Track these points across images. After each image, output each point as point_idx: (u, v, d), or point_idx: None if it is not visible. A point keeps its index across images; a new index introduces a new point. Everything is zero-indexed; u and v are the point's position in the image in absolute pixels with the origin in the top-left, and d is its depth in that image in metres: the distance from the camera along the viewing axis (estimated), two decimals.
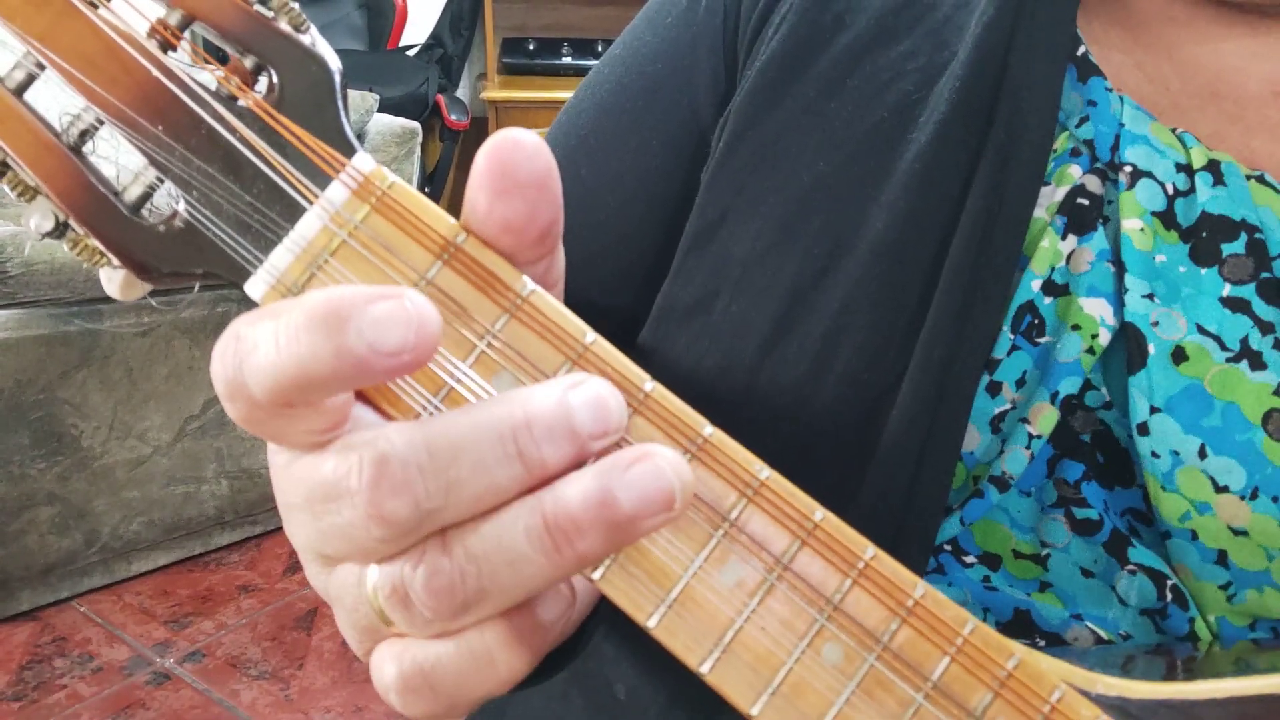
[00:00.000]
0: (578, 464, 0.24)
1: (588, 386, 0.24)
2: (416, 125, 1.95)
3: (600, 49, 2.96)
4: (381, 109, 2.00)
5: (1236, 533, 0.34)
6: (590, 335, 0.25)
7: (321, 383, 0.22)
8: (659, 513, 0.23)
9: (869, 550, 0.25)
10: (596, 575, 0.25)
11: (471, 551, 0.23)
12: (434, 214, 0.25)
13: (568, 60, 2.97)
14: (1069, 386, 0.36)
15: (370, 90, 2.07)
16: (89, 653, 1.61)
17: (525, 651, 0.25)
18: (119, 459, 1.65)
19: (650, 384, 0.25)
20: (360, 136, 1.85)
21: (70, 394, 1.57)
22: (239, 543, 1.88)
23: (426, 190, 2.76)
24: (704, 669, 0.25)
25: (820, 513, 0.25)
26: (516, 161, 0.24)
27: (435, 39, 3.01)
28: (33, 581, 1.65)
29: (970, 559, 0.39)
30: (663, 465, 0.23)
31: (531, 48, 3.00)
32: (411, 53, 2.99)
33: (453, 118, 2.75)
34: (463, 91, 3.13)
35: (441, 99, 2.76)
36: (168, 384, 1.68)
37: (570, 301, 0.49)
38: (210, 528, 1.83)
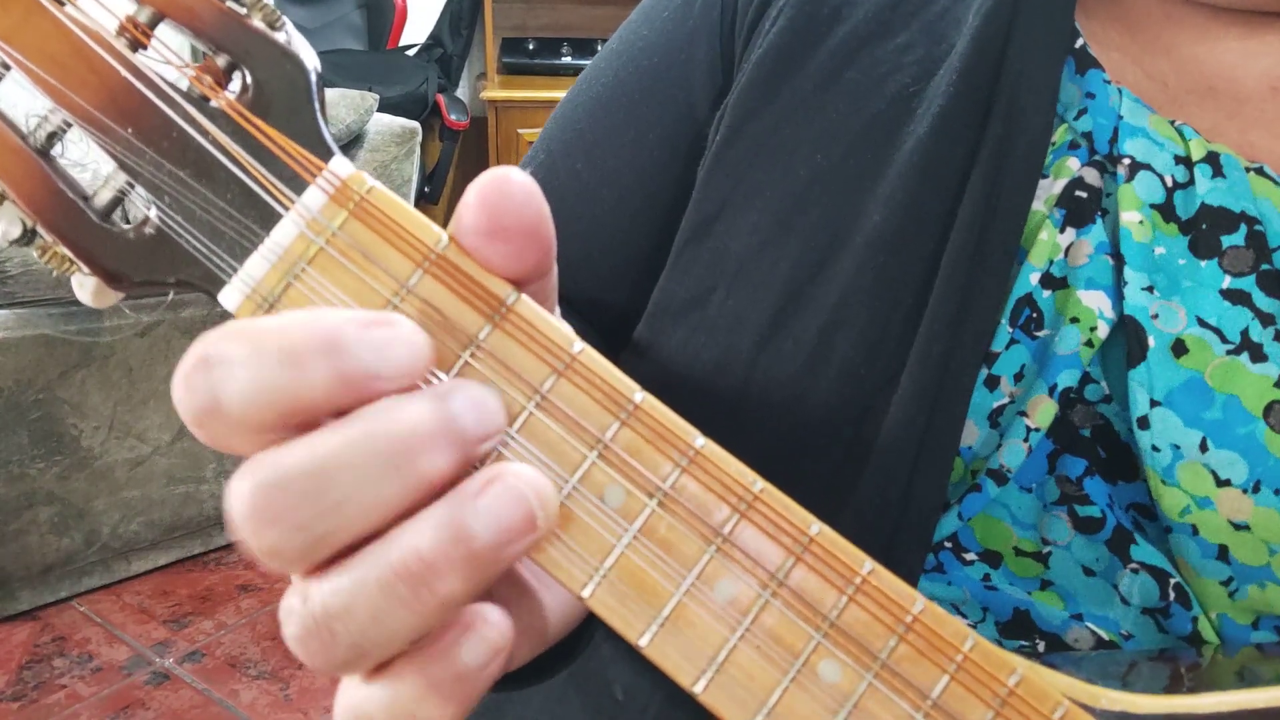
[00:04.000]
0: (463, 473, 0.22)
1: (465, 389, 0.23)
2: (416, 125, 1.95)
3: (599, 49, 2.95)
4: (381, 109, 2.00)
5: (1238, 527, 0.34)
6: (578, 345, 0.25)
7: (313, 407, 0.21)
8: (521, 537, 0.22)
9: (866, 565, 0.24)
10: (586, 593, 0.24)
11: (330, 609, 0.22)
12: (415, 220, 0.24)
13: (567, 60, 2.97)
14: (1067, 379, 0.36)
15: (370, 90, 2.06)
16: (88, 652, 1.61)
17: (447, 703, 0.23)
18: (118, 459, 1.65)
19: (640, 395, 0.25)
20: (360, 136, 1.85)
21: (70, 394, 1.57)
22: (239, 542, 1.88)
23: (426, 190, 2.76)
24: (697, 689, 0.24)
25: (816, 526, 0.24)
26: (506, 209, 0.24)
27: (435, 39, 3.01)
28: (32, 581, 1.65)
29: (970, 556, 0.39)
30: (516, 484, 0.22)
31: (531, 47, 2.99)
32: (411, 52, 2.98)
33: (452, 117, 2.74)
34: (462, 91, 3.13)
35: (441, 99, 2.76)
36: (167, 384, 1.66)
37: (567, 298, 0.49)
38: (210, 527, 1.83)
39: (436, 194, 2.78)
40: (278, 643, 1.66)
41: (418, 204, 2.53)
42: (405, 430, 0.22)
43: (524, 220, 0.24)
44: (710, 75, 0.43)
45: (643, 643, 0.24)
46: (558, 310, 0.30)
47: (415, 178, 1.98)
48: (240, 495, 0.22)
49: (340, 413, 0.24)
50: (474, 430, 0.22)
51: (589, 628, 0.33)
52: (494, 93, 2.82)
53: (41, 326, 1.52)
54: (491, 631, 0.23)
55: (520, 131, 2.83)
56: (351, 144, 1.85)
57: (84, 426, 1.60)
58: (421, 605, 0.22)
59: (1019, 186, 0.36)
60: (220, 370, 0.21)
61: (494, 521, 0.22)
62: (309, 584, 0.22)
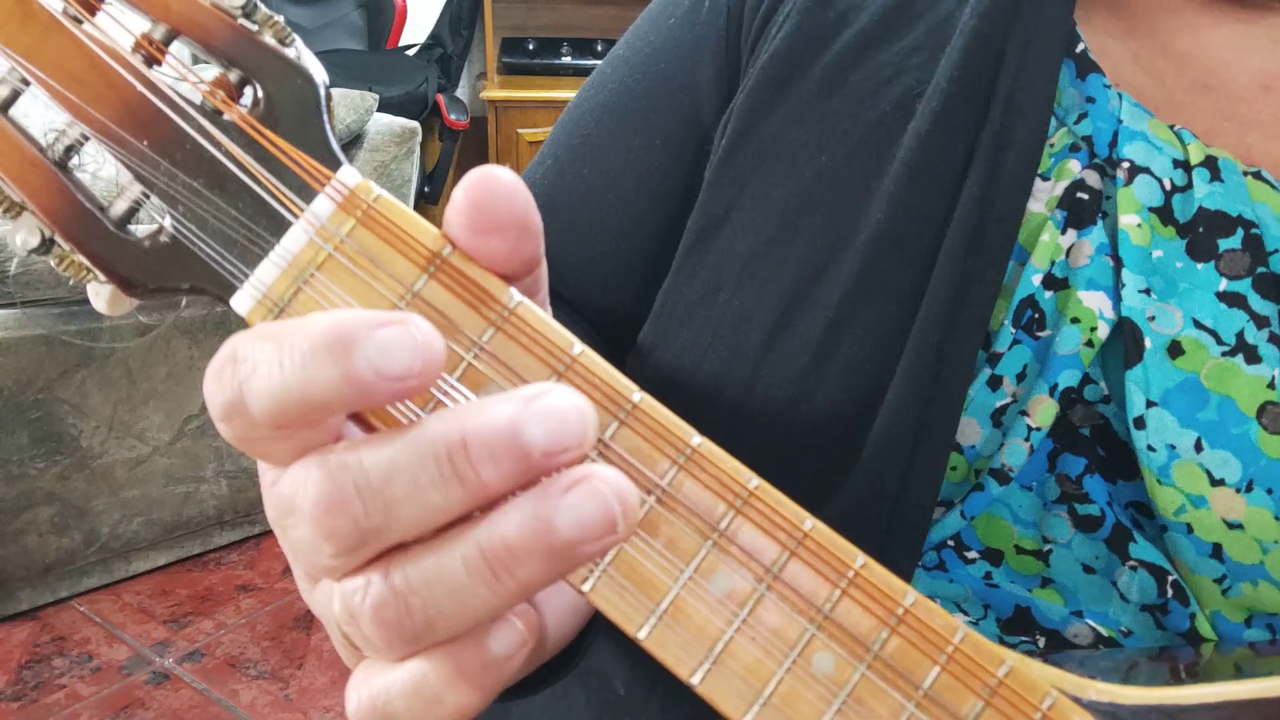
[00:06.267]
0: (531, 482, 0.22)
1: (545, 400, 0.22)
2: (416, 125, 1.95)
3: (600, 49, 2.95)
4: (381, 108, 2.00)
5: (1231, 526, 0.34)
6: (578, 347, 0.25)
7: (325, 405, 0.22)
8: (601, 537, 0.22)
9: (859, 559, 0.25)
10: (586, 587, 0.25)
11: (412, 583, 0.22)
12: (420, 226, 0.25)
13: (567, 60, 2.97)
14: (1068, 379, 0.36)
15: (370, 90, 2.06)
16: (88, 652, 1.61)
17: (473, 690, 0.24)
18: (118, 459, 1.65)
19: (638, 395, 0.25)
20: (360, 136, 1.85)
21: (69, 394, 1.57)
22: (238, 542, 1.88)
23: (426, 190, 2.76)
24: (694, 680, 0.25)
25: (810, 522, 0.25)
26: (493, 203, 0.24)
27: (435, 38, 3.01)
28: (32, 581, 1.65)
29: (972, 554, 0.39)
30: (601, 488, 0.22)
31: (531, 47, 2.99)
32: (411, 52, 2.98)
33: (452, 117, 2.74)
34: (462, 91, 3.13)
35: (441, 98, 2.76)
36: (167, 384, 1.68)
37: (571, 301, 0.49)
38: (209, 527, 1.83)
39: (436, 194, 2.78)
40: (278, 643, 1.67)
41: (417, 204, 2.53)
42: (458, 438, 0.22)
43: (514, 212, 0.24)
44: (716, 80, 0.44)
45: (641, 635, 0.25)
46: (549, 306, 0.30)
47: (415, 178, 1.98)
48: (303, 482, 0.22)
49: (369, 413, 0.24)
50: (542, 446, 0.22)
51: (583, 640, 0.34)
52: (494, 93, 2.82)
53: (41, 326, 1.52)
54: (520, 622, 0.24)
55: (520, 131, 2.83)
56: (351, 144, 1.85)
57: (84, 426, 1.60)
58: (502, 587, 0.22)
59: (1015, 182, 0.36)
60: (246, 367, 0.22)
61: (576, 519, 0.22)
62: (392, 558, 0.23)
